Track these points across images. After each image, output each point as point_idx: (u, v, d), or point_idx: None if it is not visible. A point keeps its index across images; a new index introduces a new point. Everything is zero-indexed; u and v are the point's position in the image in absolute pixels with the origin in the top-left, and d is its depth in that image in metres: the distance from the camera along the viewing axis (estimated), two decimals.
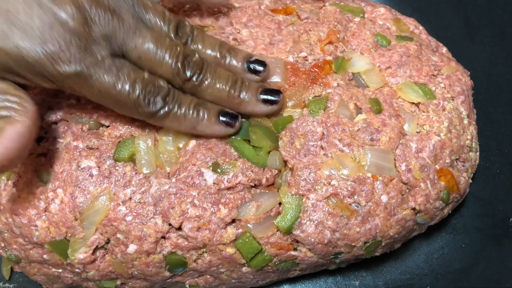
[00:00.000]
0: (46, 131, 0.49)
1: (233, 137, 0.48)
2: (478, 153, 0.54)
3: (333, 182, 0.47)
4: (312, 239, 0.46)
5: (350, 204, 0.46)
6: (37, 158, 0.48)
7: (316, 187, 0.47)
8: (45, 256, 0.47)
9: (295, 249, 0.47)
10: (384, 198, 0.47)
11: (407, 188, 0.49)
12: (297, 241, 0.47)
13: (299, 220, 0.46)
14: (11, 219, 0.46)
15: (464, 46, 0.64)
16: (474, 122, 0.54)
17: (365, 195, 0.47)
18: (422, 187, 0.49)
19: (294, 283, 0.56)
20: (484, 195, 0.58)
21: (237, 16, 0.56)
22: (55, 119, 0.49)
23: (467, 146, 0.52)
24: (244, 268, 0.48)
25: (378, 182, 0.47)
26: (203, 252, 0.46)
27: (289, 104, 0.51)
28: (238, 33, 0.55)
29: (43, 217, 0.46)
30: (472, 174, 0.53)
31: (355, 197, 0.47)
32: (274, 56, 0.53)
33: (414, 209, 0.49)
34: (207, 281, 0.50)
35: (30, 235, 0.46)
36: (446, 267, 0.56)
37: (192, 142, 0.48)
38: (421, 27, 0.59)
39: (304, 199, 0.46)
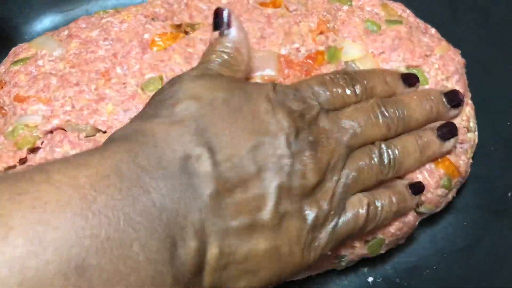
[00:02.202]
0: (42, 141, 0.48)
1: None
2: (476, 133, 0.54)
3: None
4: None
5: None
6: None
7: None
8: None
9: None
10: None
11: None
12: None
13: None
14: None
15: (450, 29, 0.64)
16: (470, 101, 0.54)
17: None
18: (419, 179, 0.49)
19: None
20: (481, 173, 0.59)
21: None
22: (50, 128, 0.48)
23: (464, 127, 0.52)
24: None
25: None
26: None
27: None
28: None
29: None
30: (472, 154, 0.53)
31: None
32: (266, 49, 0.53)
33: None
34: None
35: None
36: (451, 246, 0.56)
37: None
38: (408, 11, 0.59)
39: None
